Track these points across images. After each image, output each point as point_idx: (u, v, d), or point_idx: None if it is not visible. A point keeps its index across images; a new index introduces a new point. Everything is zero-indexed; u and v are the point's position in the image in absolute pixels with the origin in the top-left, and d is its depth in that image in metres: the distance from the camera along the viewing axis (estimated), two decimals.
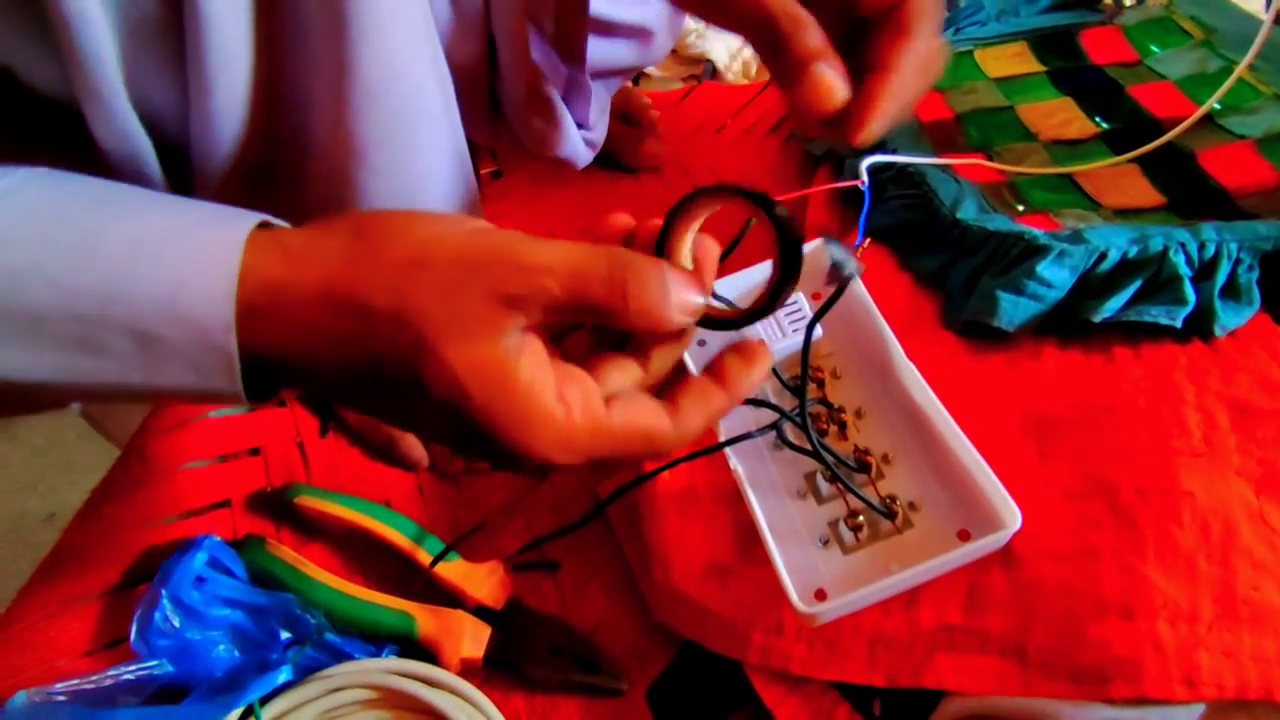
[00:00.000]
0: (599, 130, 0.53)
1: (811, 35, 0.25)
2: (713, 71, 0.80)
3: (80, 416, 0.84)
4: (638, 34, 0.49)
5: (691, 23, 0.74)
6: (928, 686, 0.35)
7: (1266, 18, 0.52)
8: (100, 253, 0.21)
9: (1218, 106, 0.52)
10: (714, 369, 0.26)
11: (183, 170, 0.28)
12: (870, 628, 0.37)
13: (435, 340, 0.21)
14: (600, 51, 0.47)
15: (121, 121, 0.25)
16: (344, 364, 0.21)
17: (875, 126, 0.25)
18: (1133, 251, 0.40)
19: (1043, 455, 0.38)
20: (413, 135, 0.29)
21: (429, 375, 0.21)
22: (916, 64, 0.26)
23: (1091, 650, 0.32)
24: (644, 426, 0.24)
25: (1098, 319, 0.39)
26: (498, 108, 0.42)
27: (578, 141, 0.48)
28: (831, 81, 0.25)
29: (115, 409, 0.76)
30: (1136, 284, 0.39)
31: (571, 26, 0.42)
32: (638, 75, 0.77)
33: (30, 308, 0.21)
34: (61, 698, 0.32)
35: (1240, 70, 0.51)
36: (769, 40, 0.26)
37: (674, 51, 0.78)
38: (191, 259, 0.21)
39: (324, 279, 0.21)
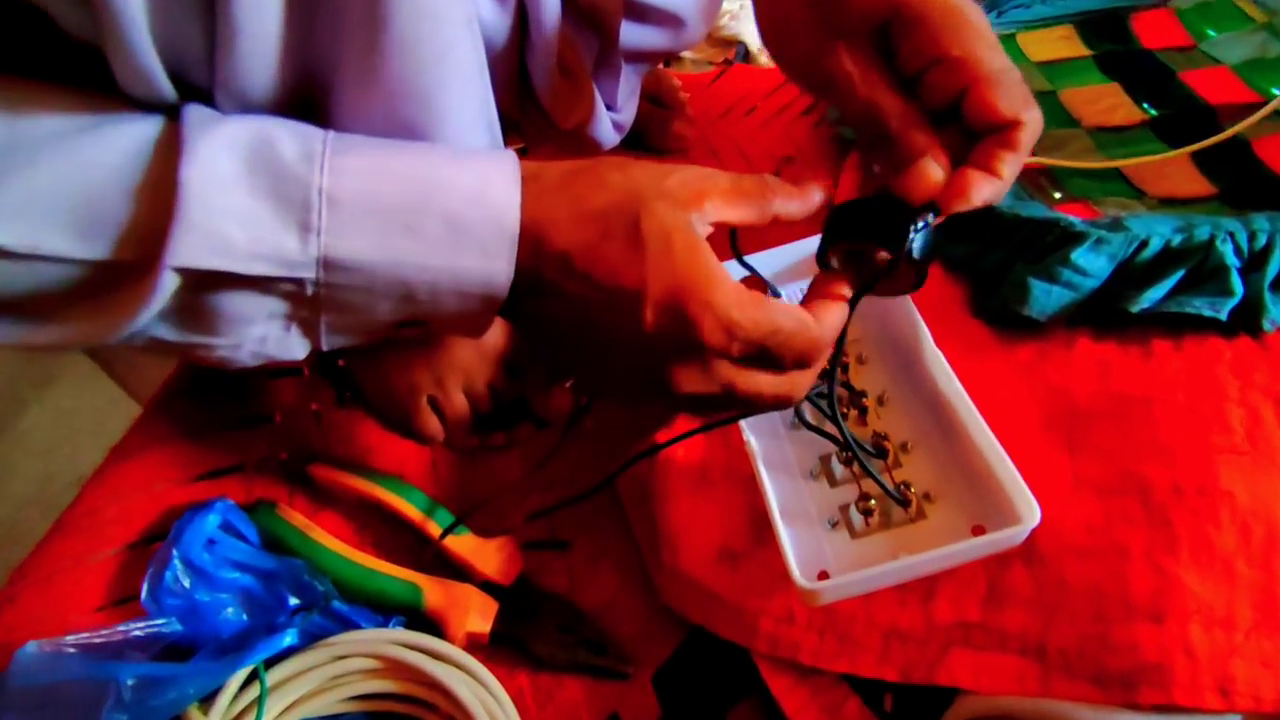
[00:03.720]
0: (627, 113, 0.52)
1: (921, 135, 0.30)
2: (745, 54, 0.78)
3: (109, 379, 0.86)
4: (670, 20, 0.48)
5: (726, 4, 0.73)
6: (942, 684, 0.34)
7: None
8: (424, 159, 0.27)
9: (1277, 90, 0.50)
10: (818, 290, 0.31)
11: None
12: (884, 620, 0.36)
13: (650, 196, 0.27)
14: (631, 35, 0.46)
15: (145, 65, 0.25)
16: (581, 220, 0.27)
17: (961, 208, 0.30)
18: (1176, 240, 0.38)
19: (1072, 449, 0.36)
20: (444, 93, 0.29)
21: (644, 225, 0.27)
22: (1015, 172, 0.30)
23: (1118, 653, 0.31)
24: (799, 314, 0.28)
25: (1136, 310, 0.37)
26: (526, 80, 0.41)
27: (605, 121, 0.47)
28: (936, 175, 0.29)
29: (141, 370, 0.78)
30: (1179, 274, 0.37)
31: (604, 2, 0.42)
32: (669, 59, 0.76)
33: (379, 198, 0.26)
34: (70, 649, 0.33)
35: None
36: (877, 132, 0.31)
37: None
38: (490, 165, 0.28)
39: (572, 164, 0.29)
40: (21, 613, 0.38)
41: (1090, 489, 0.35)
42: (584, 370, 0.31)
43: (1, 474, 0.93)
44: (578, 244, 0.27)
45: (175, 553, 0.37)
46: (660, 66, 0.71)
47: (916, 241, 0.29)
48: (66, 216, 0.25)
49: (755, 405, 0.30)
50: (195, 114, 0.26)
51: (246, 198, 0.26)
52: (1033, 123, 0.29)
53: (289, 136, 0.26)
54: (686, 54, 0.79)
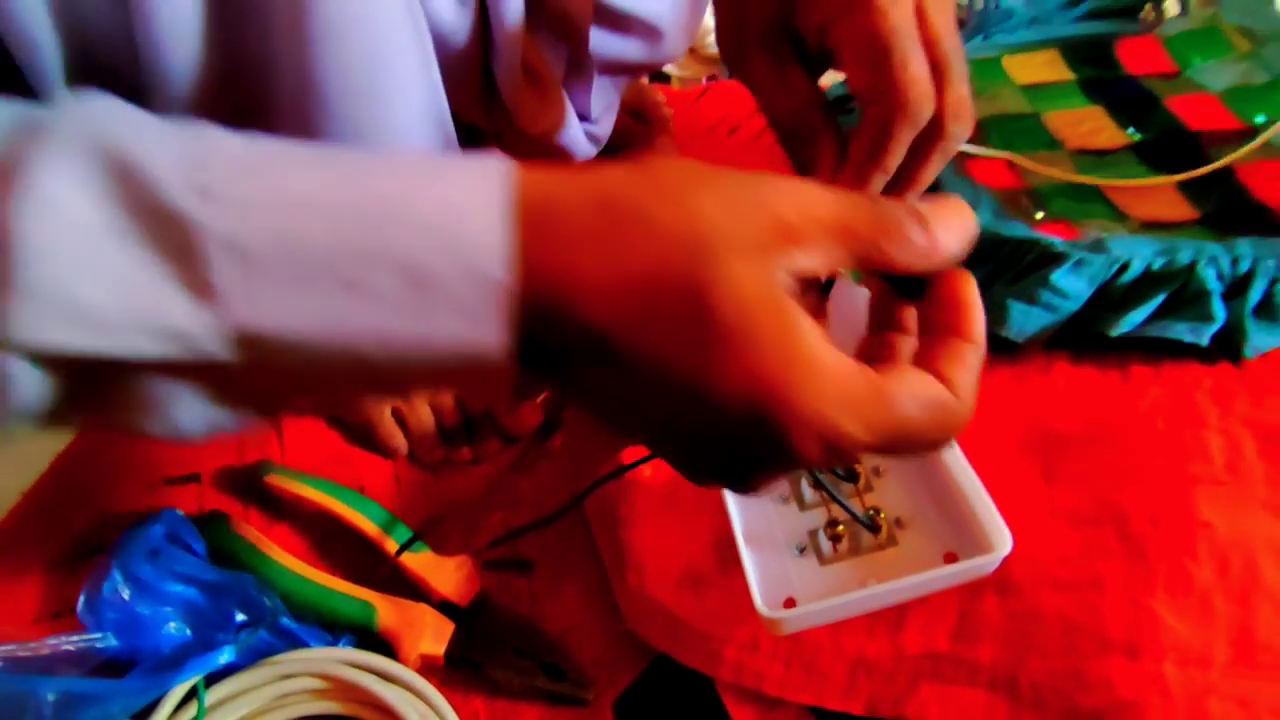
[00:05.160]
0: (604, 125, 0.52)
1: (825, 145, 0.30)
2: (730, 72, 0.78)
3: None
4: (646, 30, 0.47)
5: (711, 21, 0.73)
6: (909, 718, 0.33)
7: None
8: (364, 184, 0.19)
9: (1259, 119, 0.49)
10: (945, 326, 0.23)
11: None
12: (852, 650, 0.35)
13: (722, 250, 0.19)
14: (605, 44, 0.45)
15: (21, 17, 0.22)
16: (620, 283, 0.19)
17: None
18: (1158, 263, 0.38)
19: (1048, 476, 0.35)
20: (381, 84, 0.27)
21: (715, 299, 0.19)
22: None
23: (1091, 690, 0.30)
24: (931, 394, 0.21)
25: (1115, 334, 0.36)
26: (491, 83, 0.40)
27: (577, 130, 0.47)
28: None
29: None
30: (1160, 298, 0.37)
31: (574, 11, 0.41)
32: (654, 74, 0.75)
33: (304, 242, 0.19)
34: None
35: None
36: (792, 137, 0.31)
37: (692, 50, 0.76)
38: (463, 183, 0.19)
39: (601, 191, 0.20)
40: None
41: (1066, 518, 0.34)
42: (642, 439, 0.24)
43: None
44: (618, 321, 0.19)
45: (115, 564, 0.36)
46: (644, 80, 0.71)
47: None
48: None
49: None
50: (30, 118, 0.20)
51: (109, 245, 0.19)
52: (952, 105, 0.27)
53: (166, 152, 0.19)
54: (672, 70, 0.79)
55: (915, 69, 0.27)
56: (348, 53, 0.26)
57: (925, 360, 0.22)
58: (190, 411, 0.21)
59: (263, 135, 0.20)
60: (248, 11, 0.24)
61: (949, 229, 0.21)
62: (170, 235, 0.18)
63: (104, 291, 0.18)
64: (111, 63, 0.24)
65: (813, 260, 0.20)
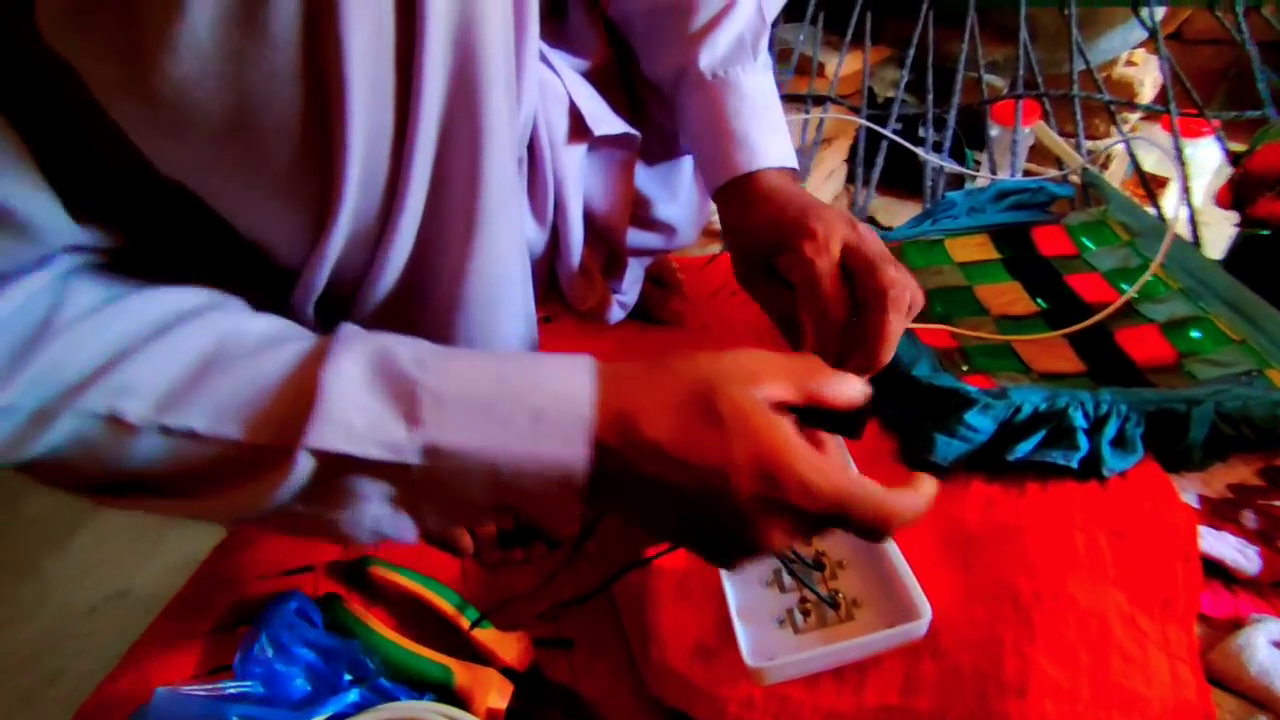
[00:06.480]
0: (631, 295, 0.67)
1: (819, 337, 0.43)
2: None
3: None
4: (665, 228, 0.64)
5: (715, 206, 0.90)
6: None
7: (1168, 232, 0.65)
8: (512, 364, 0.32)
9: (1136, 296, 0.64)
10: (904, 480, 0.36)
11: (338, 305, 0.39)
12: (825, 705, 0.45)
13: (721, 383, 0.31)
14: (633, 239, 0.61)
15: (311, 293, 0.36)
16: (665, 410, 0.31)
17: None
18: (1043, 406, 0.51)
19: (966, 566, 0.47)
20: (502, 296, 0.41)
21: (722, 408, 0.30)
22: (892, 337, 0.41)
23: None
24: (871, 485, 0.32)
25: (1011, 458, 0.49)
26: (554, 278, 0.56)
27: (613, 305, 0.62)
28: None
29: None
30: (1042, 433, 0.49)
31: (616, 225, 0.57)
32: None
33: (476, 395, 0.31)
34: (188, 696, 0.42)
35: (1153, 268, 0.63)
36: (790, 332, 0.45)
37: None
38: (569, 366, 0.32)
39: (640, 365, 0.33)
40: (138, 678, 0.47)
41: (978, 597, 0.45)
42: (673, 534, 0.35)
43: (54, 585, 1.02)
44: (666, 432, 0.31)
45: (264, 631, 0.48)
46: None
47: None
48: (240, 409, 0.30)
49: None
50: (344, 329, 0.33)
51: (368, 395, 0.30)
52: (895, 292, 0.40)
53: (405, 348, 0.32)
54: None
55: (834, 298, 0.42)
56: (487, 278, 0.40)
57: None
58: (373, 507, 0.32)
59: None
60: (435, 254, 0.38)
61: (850, 380, 0.35)
62: (401, 389, 0.31)
63: (360, 418, 0.30)
64: (338, 289, 0.38)
65: (776, 391, 0.32)
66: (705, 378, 0.32)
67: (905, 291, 0.41)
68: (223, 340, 0.32)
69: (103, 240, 0.33)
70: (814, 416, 0.35)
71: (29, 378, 0.29)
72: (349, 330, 0.33)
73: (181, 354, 0.31)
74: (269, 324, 0.34)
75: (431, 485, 0.31)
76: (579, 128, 0.49)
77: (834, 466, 0.31)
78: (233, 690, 0.45)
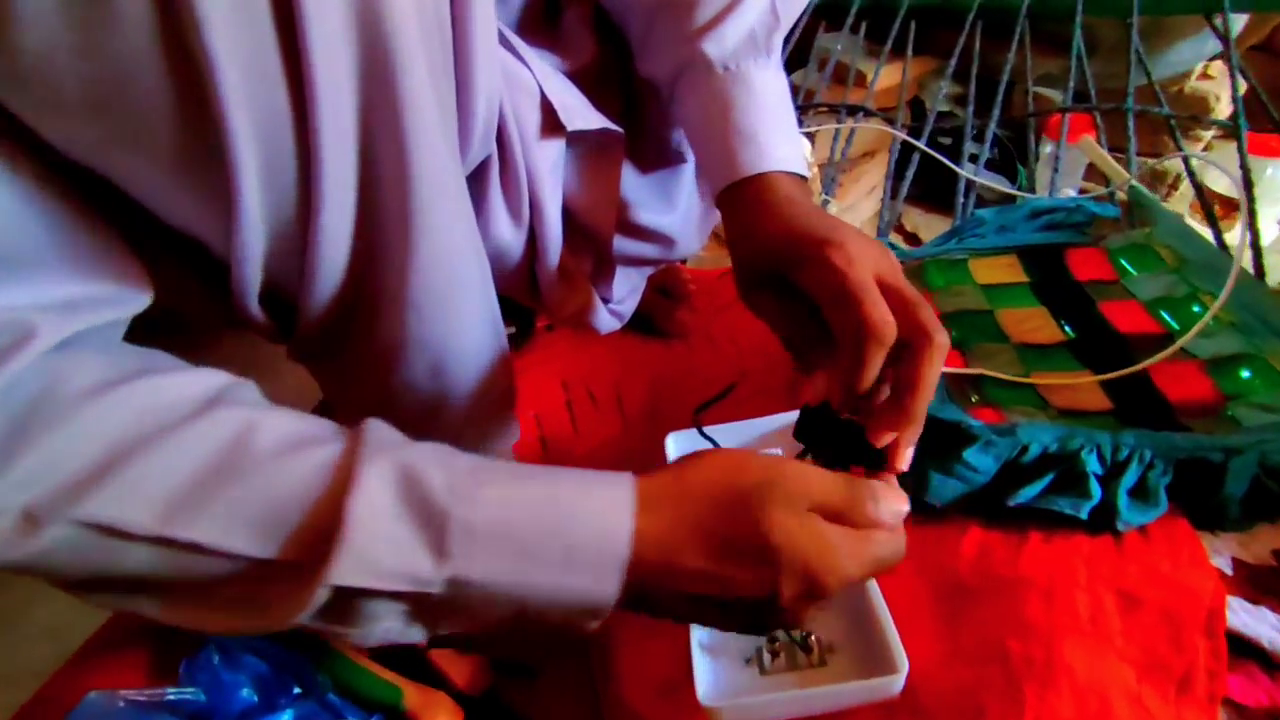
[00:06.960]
0: (628, 305, 0.64)
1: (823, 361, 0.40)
2: None
3: None
4: (661, 238, 0.61)
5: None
6: None
7: (1234, 265, 0.58)
8: (547, 493, 0.31)
9: (1175, 326, 0.58)
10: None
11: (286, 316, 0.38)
12: None
13: (767, 503, 0.31)
14: (626, 247, 0.59)
15: (251, 303, 0.36)
16: (708, 541, 0.31)
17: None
18: (1053, 447, 0.46)
19: (953, 621, 0.42)
20: (454, 297, 0.40)
21: (772, 537, 0.30)
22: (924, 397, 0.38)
23: None
24: (901, 541, 0.34)
25: (1013, 504, 0.44)
26: (535, 280, 0.53)
27: (602, 312, 0.59)
28: (889, 439, 0.39)
29: None
30: (1050, 476, 0.45)
31: (600, 228, 0.55)
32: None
33: (509, 527, 0.30)
34: (121, 702, 0.41)
35: (1215, 309, 0.55)
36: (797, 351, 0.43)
37: (715, 234, 0.90)
38: (609, 496, 0.31)
39: (680, 487, 0.32)
40: (86, 682, 0.46)
41: (965, 656, 0.41)
42: (702, 622, 0.36)
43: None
44: (709, 559, 0.31)
45: (212, 639, 0.46)
46: (679, 263, 0.84)
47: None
48: (255, 523, 0.28)
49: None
50: (371, 436, 0.31)
51: (395, 524, 0.29)
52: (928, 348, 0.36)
53: (438, 471, 0.30)
54: (702, 253, 0.92)
55: (881, 309, 0.36)
56: (434, 279, 0.38)
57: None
58: (386, 623, 0.31)
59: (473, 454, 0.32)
60: (377, 252, 0.36)
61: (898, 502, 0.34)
62: (431, 518, 0.29)
63: (388, 551, 0.29)
64: (280, 287, 0.37)
65: (821, 506, 0.32)
66: (750, 496, 0.31)
67: (947, 341, 0.37)
68: (235, 442, 0.30)
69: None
70: (840, 453, 0.37)
71: (20, 473, 0.26)
72: (376, 439, 0.31)
73: (189, 457, 0.29)
74: (285, 422, 0.32)
75: (451, 608, 0.31)
76: (553, 122, 0.47)
77: (859, 537, 0.32)
78: (172, 697, 0.43)
